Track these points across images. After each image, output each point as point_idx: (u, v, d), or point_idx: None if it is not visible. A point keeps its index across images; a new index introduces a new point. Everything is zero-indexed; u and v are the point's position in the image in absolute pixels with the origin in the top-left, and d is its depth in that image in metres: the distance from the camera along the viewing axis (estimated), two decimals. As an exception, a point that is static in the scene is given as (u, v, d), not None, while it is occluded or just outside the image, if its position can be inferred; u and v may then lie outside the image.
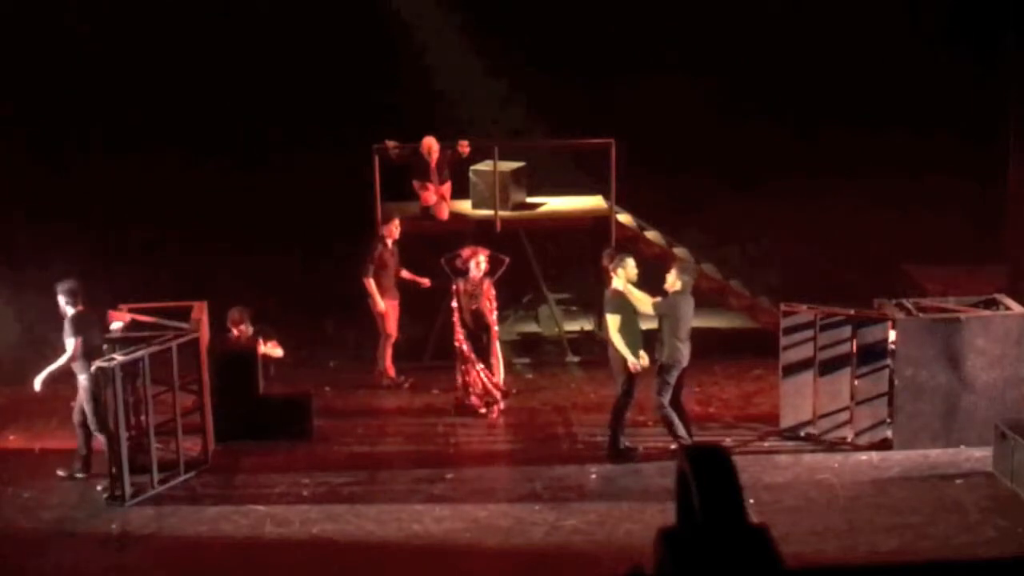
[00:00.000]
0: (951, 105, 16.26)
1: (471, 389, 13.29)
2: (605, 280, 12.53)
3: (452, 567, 10.18)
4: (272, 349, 13.08)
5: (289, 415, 12.69)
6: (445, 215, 14.79)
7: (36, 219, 15.86)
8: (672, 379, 11.89)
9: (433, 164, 14.65)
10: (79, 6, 16.25)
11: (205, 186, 16.14)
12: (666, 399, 11.86)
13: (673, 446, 11.81)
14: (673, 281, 11.89)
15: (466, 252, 13.30)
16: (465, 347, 13.20)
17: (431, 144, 14.64)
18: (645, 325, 12.21)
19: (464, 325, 13.22)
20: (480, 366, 13.20)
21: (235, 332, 12.86)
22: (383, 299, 13.97)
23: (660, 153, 15.82)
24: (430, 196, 14.71)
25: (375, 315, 14.08)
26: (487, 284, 13.21)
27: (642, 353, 11.92)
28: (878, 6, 16.51)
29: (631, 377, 11.92)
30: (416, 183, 14.76)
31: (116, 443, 11.09)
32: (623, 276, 11.96)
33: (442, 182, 14.79)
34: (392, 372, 14.26)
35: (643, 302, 11.93)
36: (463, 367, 13.27)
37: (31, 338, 15.20)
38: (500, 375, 13.35)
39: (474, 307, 13.17)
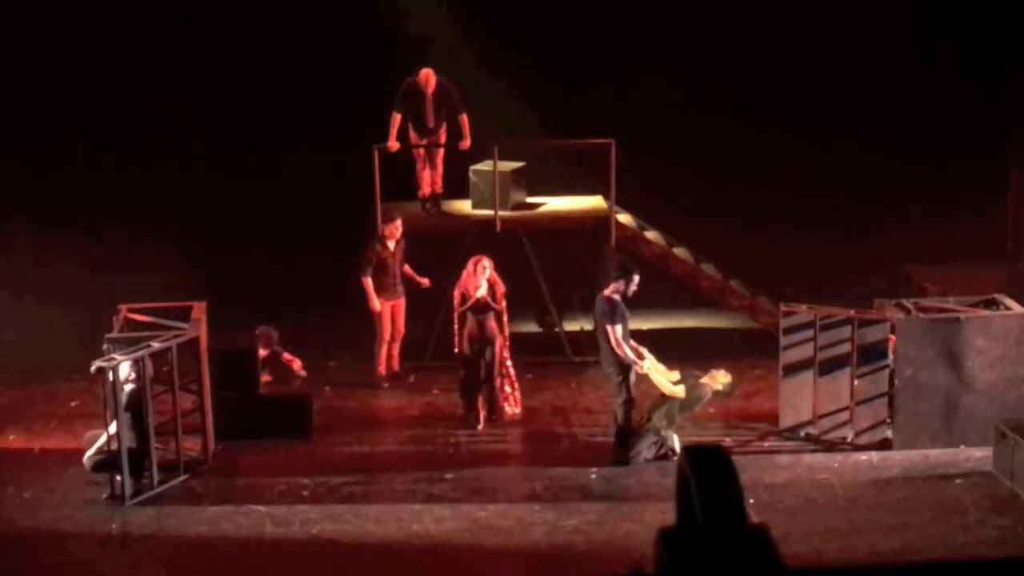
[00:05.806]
0: (952, 106, 16.26)
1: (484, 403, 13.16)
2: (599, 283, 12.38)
3: (452, 567, 10.17)
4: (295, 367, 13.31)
5: (289, 415, 12.69)
6: (440, 166, 14.68)
7: (36, 220, 15.86)
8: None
9: (429, 96, 14.30)
10: (77, 6, 16.24)
11: (205, 186, 16.14)
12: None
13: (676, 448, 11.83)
14: (718, 382, 11.92)
15: (472, 260, 13.04)
16: (465, 372, 12.99)
17: (428, 75, 14.28)
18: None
19: (468, 338, 12.88)
20: (487, 385, 12.99)
21: (262, 352, 12.96)
22: (382, 298, 13.91)
23: (660, 153, 15.82)
24: (418, 140, 14.46)
25: (372, 314, 14.05)
26: (499, 291, 12.90)
27: (644, 353, 11.87)
28: (880, 11, 16.50)
29: (629, 384, 11.81)
30: (413, 136, 14.46)
31: (119, 444, 11.08)
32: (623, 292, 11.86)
33: (438, 124, 14.50)
34: (384, 371, 14.17)
35: (666, 378, 11.86)
36: (469, 390, 13.03)
37: (31, 338, 15.24)
38: (514, 382, 13.18)
39: (480, 317, 12.90)
